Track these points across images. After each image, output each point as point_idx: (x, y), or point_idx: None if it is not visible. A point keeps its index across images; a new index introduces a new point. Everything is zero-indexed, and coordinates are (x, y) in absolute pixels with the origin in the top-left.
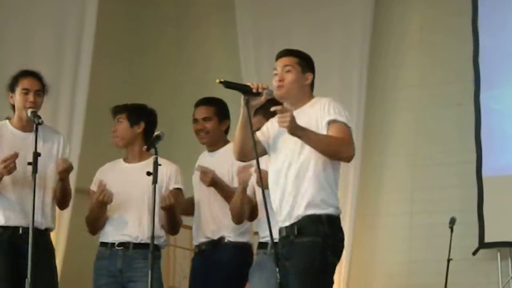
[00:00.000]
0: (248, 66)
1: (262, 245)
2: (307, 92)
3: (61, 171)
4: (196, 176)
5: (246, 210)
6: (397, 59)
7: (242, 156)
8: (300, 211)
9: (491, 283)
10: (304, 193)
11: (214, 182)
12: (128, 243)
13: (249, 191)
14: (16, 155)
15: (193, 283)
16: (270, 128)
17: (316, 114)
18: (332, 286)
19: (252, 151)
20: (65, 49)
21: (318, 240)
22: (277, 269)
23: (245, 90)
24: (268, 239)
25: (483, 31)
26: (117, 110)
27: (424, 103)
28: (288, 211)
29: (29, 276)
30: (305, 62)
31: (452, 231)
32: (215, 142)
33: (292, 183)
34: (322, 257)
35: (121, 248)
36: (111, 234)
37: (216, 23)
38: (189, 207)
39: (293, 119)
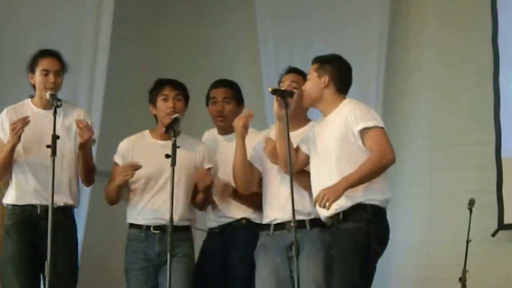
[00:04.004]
0: (267, 47)
1: (266, 227)
2: (332, 94)
3: (83, 141)
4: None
5: (250, 174)
6: (415, 40)
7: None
8: (345, 202)
9: (510, 264)
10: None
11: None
12: (165, 226)
13: (256, 163)
14: (25, 119)
15: (213, 263)
16: (310, 138)
17: (343, 123)
18: (373, 274)
19: (296, 160)
20: (84, 29)
21: (361, 225)
22: (296, 262)
23: (287, 94)
24: (269, 219)
25: (502, 11)
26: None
27: (443, 85)
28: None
29: (48, 258)
30: (321, 66)
31: (471, 212)
32: (230, 125)
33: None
34: (365, 242)
35: (158, 231)
36: (145, 216)
37: (234, 5)
38: None
39: (330, 196)
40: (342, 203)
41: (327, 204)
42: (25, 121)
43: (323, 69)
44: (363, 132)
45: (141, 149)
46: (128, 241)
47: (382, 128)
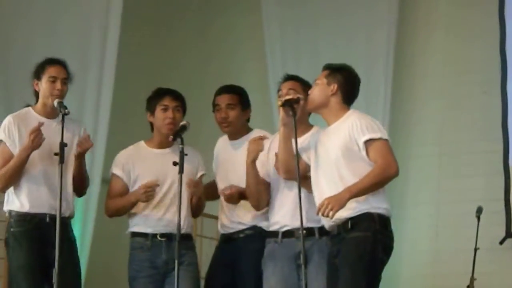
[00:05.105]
0: (273, 54)
1: (273, 234)
2: (338, 103)
3: (82, 151)
4: (216, 165)
5: (263, 192)
6: (423, 48)
7: (289, 173)
8: (352, 211)
9: None
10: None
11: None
12: (172, 234)
13: (263, 175)
14: (42, 124)
15: (222, 273)
16: (312, 146)
17: (347, 133)
18: (379, 283)
19: (295, 168)
20: (91, 38)
21: (368, 234)
22: (304, 269)
23: (294, 102)
24: (277, 226)
25: (509, 19)
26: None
27: (450, 92)
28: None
29: (56, 266)
30: (331, 73)
31: (479, 220)
32: (238, 131)
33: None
34: (372, 251)
35: (165, 239)
36: (151, 224)
37: (241, 11)
38: (212, 191)
39: (334, 205)
40: (348, 212)
41: (330, 213)
42: (40, 126)
43: (333, 77)
44: (368, 143)
45: (140, 159)
46: (132, 249)
47: (387, 140)
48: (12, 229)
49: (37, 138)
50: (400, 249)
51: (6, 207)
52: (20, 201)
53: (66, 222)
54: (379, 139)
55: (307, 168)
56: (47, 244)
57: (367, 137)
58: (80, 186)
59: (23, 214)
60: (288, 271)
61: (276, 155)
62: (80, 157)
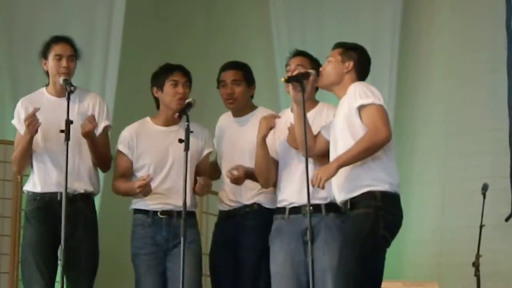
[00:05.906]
0: (280, 31)
1: (280, 210)
2: (351, 80)
3: (84, 132)
4: (220, 142)
5: (272, 170)
6: (428, 26)
7: (308, 150)
8: (355, 190)
9: None
10: (356, 175)
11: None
12: (172, 211)
13: (271, 153)
14: (36, 110)
15: (224, 251)
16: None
17: (346, 103)
18: (382, 262)
19: (314, 144)
20: (97, 14)
21: (369, 211)
22: (310, 246)
23: (301, 77)
24: (285, 203)
25: None
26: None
27: (457, 70)
28: (343, 191)
29: (62, 243)
30: (346, 51)
31: (484, 197)
32: (243, 107)
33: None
34: (372, 227)
35: (165, 216)
36: (152, 201)
37: None
38: (214, 172)
39: (322, 175)
40: (349, 194)
41: (321, 183)
42: (35, 112)
43: (348, 55)
44: (361, 109)
45: (145, 136)
46: (134, 226)
47: (381, 106)
48: (25, 209)
49: (31, 125)
50: (406, 227)
51: (24, 188)
52: (33, 181)
53: (83, 199)
54: (371, 104)
55: (327, 145)
56: (59, 221)
57: (359, 103)
58: (100, 162)
59: (33, 194)
60: (295, 247)
61: (289, 129)
62: (87, 137)
